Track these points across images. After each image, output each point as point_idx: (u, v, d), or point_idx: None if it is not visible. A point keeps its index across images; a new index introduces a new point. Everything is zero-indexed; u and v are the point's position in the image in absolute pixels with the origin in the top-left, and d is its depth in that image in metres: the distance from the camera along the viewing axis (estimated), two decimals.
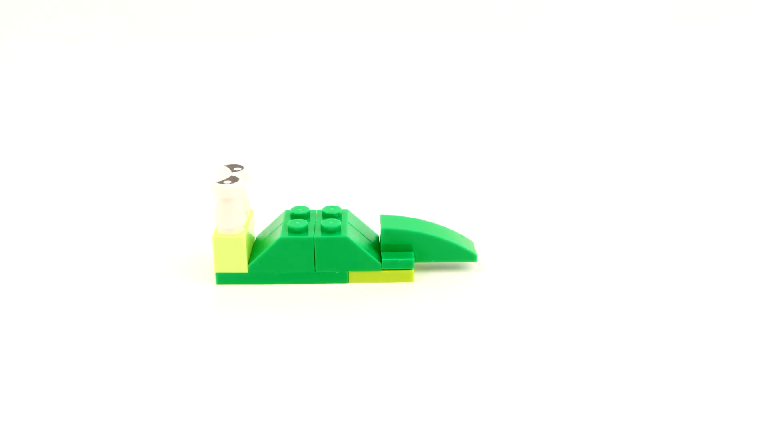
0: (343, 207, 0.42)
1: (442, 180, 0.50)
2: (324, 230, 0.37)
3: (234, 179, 0.36)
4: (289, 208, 0.44)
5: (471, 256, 0.39)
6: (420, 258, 0.38)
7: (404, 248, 0.38)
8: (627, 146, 0.54)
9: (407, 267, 0.38)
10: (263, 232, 0.39)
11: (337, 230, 0.37)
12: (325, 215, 0.38)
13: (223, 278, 0.37)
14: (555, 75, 0.61)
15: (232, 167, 0.37)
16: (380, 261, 0.38)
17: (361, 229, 0.39)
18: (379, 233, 0.40)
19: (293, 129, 0.56)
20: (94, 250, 0.41)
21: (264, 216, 0.42)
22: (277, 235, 0.37)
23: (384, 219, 0.39)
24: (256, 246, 0.38)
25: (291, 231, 0.37)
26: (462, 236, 0.40)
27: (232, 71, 0.60)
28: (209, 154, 0.53)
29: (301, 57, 0.61)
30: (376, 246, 0.39)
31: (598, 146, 0.54)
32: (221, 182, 0.36)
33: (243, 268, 0.37)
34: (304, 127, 0.56)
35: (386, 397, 0.30)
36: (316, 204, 0.44)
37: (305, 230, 0.37)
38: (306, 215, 0.38)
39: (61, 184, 0.49)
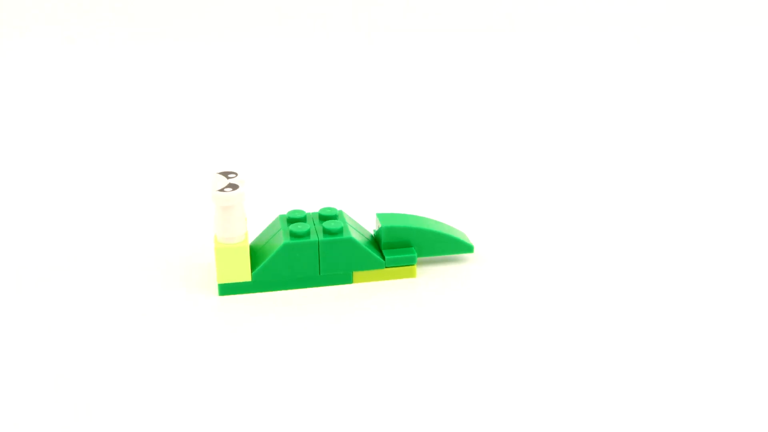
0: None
1: (426, 176, 0.50)
2: (327, 232, 0.36)
3: (234, 186, 0.35)
4: (274, 213, 0.43)
5: (468, 248, 0.39)
6: (420, 253, 0.38)
7: (404, 245, 0.38)
8: (617, 138, 0.55)
9: (410, 263, 0.38)
10: (258, 238, 0.38)
11: (340, 231, 0.36)
12: (323, 217, 0.38)
13: (226, 289, 0.36)
14: (545, 72, 0.62)
15: (226, 174, 0.36)
16: (383, 259, 0.37)
17: (358, 228, 0.39)
18: (371, 232, 0.39)
19: (272, 133, 0.55)
20: (78, 266, 0.39)
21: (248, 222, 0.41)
22: (278, 240, 0.36)
23: (381, 217, 0.38)
24: (253, 254, 0.37)
25: (294, 235, 0.36)
26: (455, 228, 0.40)
27: (220, 73, 0.59)
28: (193, 158, 0.51)
29: (284, 58, 0.60)
30: (375, 244, 0.38)
31: (588, 139, 0.55)
32: (221, 190, 0.35)
33: (246, 276, 0.36)
34: (283, 132, 0.55)
35: (406, 397, 0.30)
36: (299, 207, 0.44)
37: (308, 234, 0.36)
38: (303, 219, 0.38)
39: (58, 186, 0.48)
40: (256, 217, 0.42)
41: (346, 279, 0.37)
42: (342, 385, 0.31)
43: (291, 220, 0.38)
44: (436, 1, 0.61)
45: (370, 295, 0.37)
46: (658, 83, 0.61)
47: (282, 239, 0.36)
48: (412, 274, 0.38)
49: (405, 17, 0.61)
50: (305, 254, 0.36)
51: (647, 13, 0.63)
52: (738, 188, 0.48)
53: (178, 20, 0.59)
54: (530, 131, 0.56)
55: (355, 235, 0.37)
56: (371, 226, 0.41)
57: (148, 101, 0.57)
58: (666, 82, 0.61)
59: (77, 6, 0.57)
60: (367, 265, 0.37)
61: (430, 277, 0.38)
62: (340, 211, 0.38)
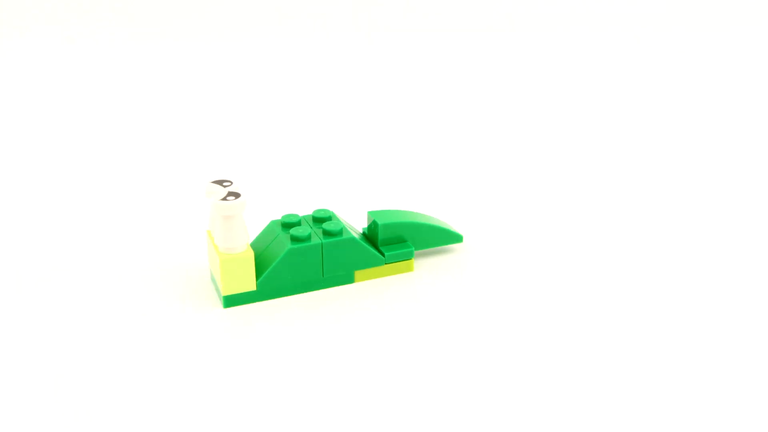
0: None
1: (409, 172, 0.50)
2: (327, 234, 0.36)
3: (236, 195, 0.34)
4: (253, 218, 0.42)
5: (458, 238, 0.40)
6: (415, 246, 0.39)
7: (399, 240, 0.38)
8: (607, 134, 0.56)
9: (409, 257, 0.38)
10: (253, 246, 0.37)
11: (340, 232, 0.36)
12: (317, 219, 0.37)
13: (231, 300, 0.35)
14: (543, 72, 0.62)
15: (220, 183, 0.35)
16: (382, 255, 0.37)
17: (351, 227, 0.38)
18: (360, 230, 0.39)
19: (257, 136, 0.54)
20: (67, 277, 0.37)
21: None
22: (279, 246, 0.36)
23: (374, 214, 0.38)
24: None
25: (296, 239, 0.35)
26: (440, 220, 0.41)
27: (219, 74, 0.58)
28: (184, 162, 0.50)
29: (284, 58, 0.59)
30: (369, 241, 0.38)
31: (578, 135, 0.56)
32: (224, 199, 0.33)
33: (251, 285, 0.35)
34: (267, 134, 0.54)
35: (415, 399, 0.30)
36: (276, 211, 0.43)
37: (309, 237, 0.36)
38: (298, 222, 0.37)
39: (56, 188, 0.46)
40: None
41: (348, 279, 0.37)
42: (356, 390, 0.31)
43: (286, 224, 0.37)
44: (435, 1, 0.61)
45: (372, 293, 0.36)
46: (657, 83, 0.62)
47: (284, 245, 0.35)
48: (410, 269, 0.38)
49: (404, 17, 0.61)
50: (309, 258, 0.36)
51: (647, 13, 0.64)
52: (736, 188, 0.48)
53: (177, 20, 0.57)
54: (522, 130, 0.56)
55: (355, 234, 0.37)
56: (355, 224, 0.41)
57: (146, 102, 0.56)
58: (666, 82, 0.63)
59: (77, 6, 0.54)
60: (368, 263, 0.37)
61: (425, 271, 0.38)
62: (332, 212, 0.38)
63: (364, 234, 0.39)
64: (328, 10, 0.62)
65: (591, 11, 0.64)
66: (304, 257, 0.35)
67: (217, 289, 0.36)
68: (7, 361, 0.31)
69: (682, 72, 0.64)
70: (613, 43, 0.64)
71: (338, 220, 0.37)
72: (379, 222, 0.37)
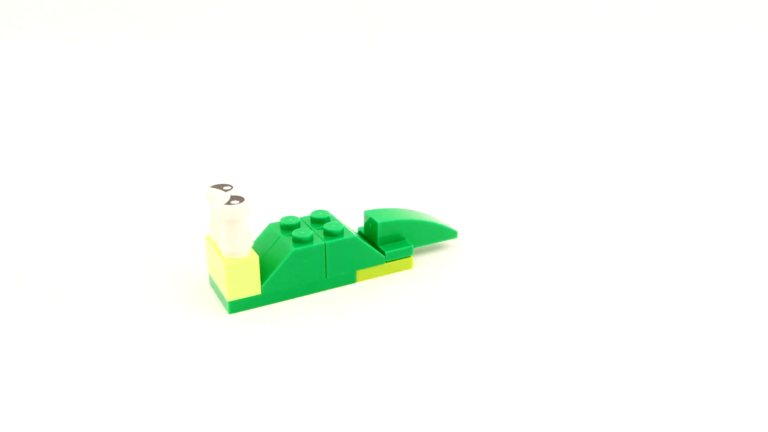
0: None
1: (399, 171, 0.51)
2: (329, 235, 0.37)
3: (240, 198, 0.35)
4: (257, 220, 0.43)
5: (453, 234, 0.41)
6: (413, 243, 0.40)
7: (397, 238, 0.39)
8: (595, 132, 0.57)
9: (408, 254, 0.39)
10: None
11: (342, 232, 0.37)
12: (316, 221, 0.38)
13: (236, 306, 0.36)
14: (542, 72, 0.63)
15: (220, 187, 0.36)
16: (382, 254, 0.38)
17: (349, 227, 0.39)
18: (356, 229, 0.40)
19: (252, 137, 0.55)
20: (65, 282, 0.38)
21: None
22: (282, 249, 0.37)
23: (371, 213, 0.39)
24: None
25: (298, 242, 0.36)
26: (434, 216, 0.42)
27: (219, 74, 0.59)
28: (180, 165, 0.51)
29: (283, 58, 0.60)
30: (368, 241, 0.39)
31: (574, 135, 0.56)
32: (228, 203, 0.34)
33: (256, 290, 0.36)
34: (261, 135, 0.55)
35: (425, 395, 0.31)
36: (278, 215, 0.44)
37: (312, 239, 0.37)
38: (298, 224, 0.38)
39: (54, 187, 0.47)
40: None
41: (350, 279, 0.38)
42: (361, 390, 0.31)
43: (286, 227, 0.38)
44: (435, 1, 0.61)
45: (374, 293, 0.37)
46: (657, 83, 0.63)
47: (287, 247, 0.36)
48: (409, 266, 0.39)
49: (404, 17, 0.61)
50: (313, 259, 0.37)
51: (647, 13, 0.65)
52: (735, 187, 0.48)
53: (177, 20, 0.58)
54: (514, 128, 0.57)
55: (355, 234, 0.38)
56: (349, 223, 0.42)
57: (144, 102, 0.57)
58: (665, 82, 0.63)
59: (77, 6, 0.55)
60: (369, 262, 0.38)
61: (423, 267, 0.39)
62: (329, 213, 0.39)
63: (360, 233, 0.40)
64: (328, 10, 0.63)
65: (591, 11, 0.65)
66: (307, 259, 0.36)
67: (218, 294, 0.37)
68: (6, 363, 0.32)
69: (681, 72, 0.64)
70: (613, 43, 0.65)
71: (337, 220, 0.38)
72: (378, 221, 0.38)
